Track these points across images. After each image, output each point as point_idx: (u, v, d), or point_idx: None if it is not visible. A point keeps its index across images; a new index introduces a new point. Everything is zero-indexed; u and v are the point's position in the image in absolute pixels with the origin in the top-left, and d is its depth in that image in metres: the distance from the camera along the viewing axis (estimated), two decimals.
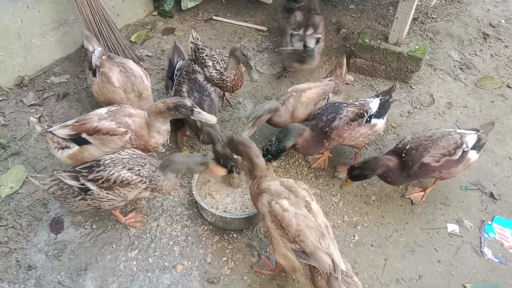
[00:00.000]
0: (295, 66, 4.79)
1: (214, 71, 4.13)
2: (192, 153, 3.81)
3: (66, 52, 4.97)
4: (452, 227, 3.61)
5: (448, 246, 3.49)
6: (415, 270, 3.33)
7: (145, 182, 3.06)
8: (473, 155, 3.53)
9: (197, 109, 3.19)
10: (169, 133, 3.42)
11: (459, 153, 3.43)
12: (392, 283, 3.24)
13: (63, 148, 3.33)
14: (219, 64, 4.16)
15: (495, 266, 3.37)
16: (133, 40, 5.28)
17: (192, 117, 3.22)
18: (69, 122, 3.32)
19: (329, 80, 4.09)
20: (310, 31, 4.69)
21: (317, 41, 4.70)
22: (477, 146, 3.56)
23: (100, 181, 2.99)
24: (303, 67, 4.78)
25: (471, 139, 3.50)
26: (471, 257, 3.42)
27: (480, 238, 3.54)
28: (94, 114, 3.33)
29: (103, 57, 3.93)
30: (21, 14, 4.33)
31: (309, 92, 3.86)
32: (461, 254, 3.43)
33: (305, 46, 4.60)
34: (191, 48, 4.38)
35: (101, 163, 3.04)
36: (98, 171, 2.99)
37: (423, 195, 3.76)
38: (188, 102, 3.17)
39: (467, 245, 3.50)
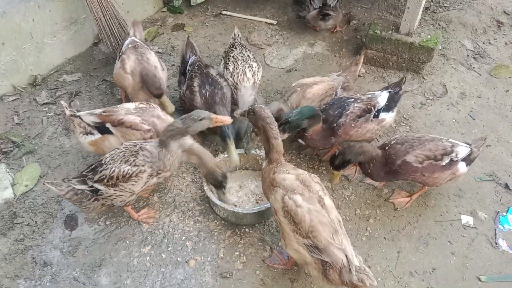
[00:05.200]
0: (321, 24, 5.30)
1: (231, 78, 4.03)
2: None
3: (78, 51, 5.01)
4: (466, 219, 3.56)
5: (462, 238, 3.45)
6: (428, 263, 3.30)
7: (145, 171, 3.08)
8: (462, 167, 3.39)
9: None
10: None
11: (446, 160, 3.30)
12: (406, 276, 3.22)
13: (87, 134, 3.49)
14: (238, 74, 4.02)
15: (510, 258, 3.33)
16: (144, 37, 5.29)
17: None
18: (97, 111, 3.48)
19: (337, 75, 4.02)
20: None
21: None
22: (468, 160, 3.43)
23: (105, 180, 3.06)
24: (327, 24, 5.29)
25: (462, 150, 3.37)
26: (485, 249, 3.38)
27: (495, 229, 3.50)
28: (122, 107, 3.48)
29: (130, 45, 4.08)
30: (32, 14, 4.37)
31: (315, 88, 3.81)
32: (475, 246, 3.40)
33: (324, 4, 5.20)
34: (230, 43, 4.41)
35: (103, 162, 3.12)
36: (101, 171, 3.07)
37: (408, 201, 3.62)
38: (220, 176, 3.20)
39: (482, 237, 3.46)
